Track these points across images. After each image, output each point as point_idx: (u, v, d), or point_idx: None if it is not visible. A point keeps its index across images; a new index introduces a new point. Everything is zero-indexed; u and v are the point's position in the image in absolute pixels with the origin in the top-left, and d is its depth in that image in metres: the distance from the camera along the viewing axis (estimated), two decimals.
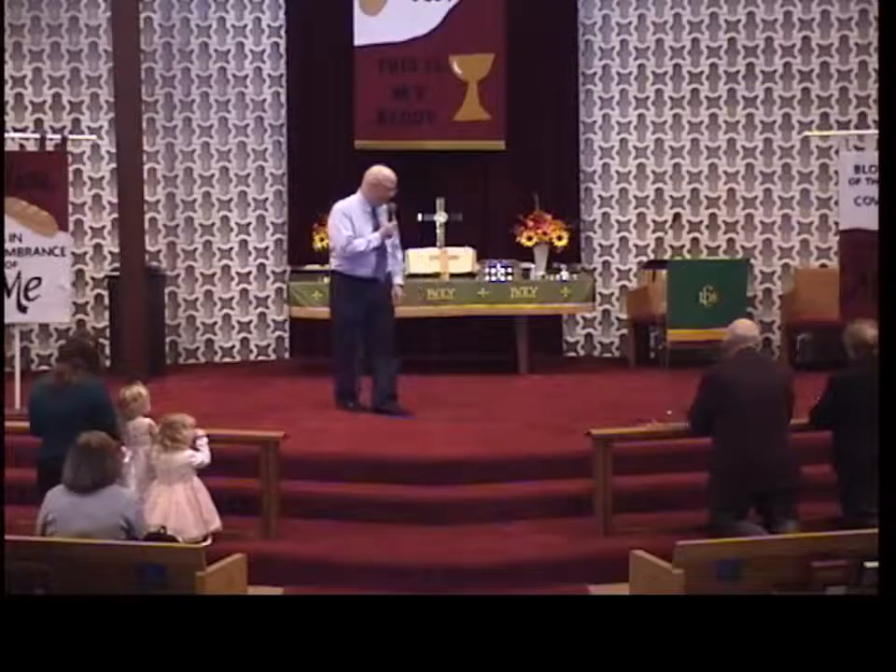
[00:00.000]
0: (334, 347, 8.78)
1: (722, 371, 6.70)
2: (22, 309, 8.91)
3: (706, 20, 11.11)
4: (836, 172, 10.27)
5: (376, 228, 8.46)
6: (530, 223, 10.30)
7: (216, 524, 6.60)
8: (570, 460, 7.18)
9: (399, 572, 6.34)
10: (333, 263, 8.69)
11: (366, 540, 6.68)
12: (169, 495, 6.50)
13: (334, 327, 8.76)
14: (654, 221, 11.26)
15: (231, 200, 11.23)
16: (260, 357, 11.32)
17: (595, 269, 11.26)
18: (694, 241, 11.19)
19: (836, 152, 10.58)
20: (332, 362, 8.83)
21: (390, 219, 8.50)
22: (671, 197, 11.23)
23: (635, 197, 11.28)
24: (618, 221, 11.32)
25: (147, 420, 6.71)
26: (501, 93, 11.04)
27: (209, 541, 6.41)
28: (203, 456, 6.61)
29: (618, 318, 11.32)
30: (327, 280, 10.00)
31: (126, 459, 6.53)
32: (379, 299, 8.57)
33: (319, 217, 10.25)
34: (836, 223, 10.20)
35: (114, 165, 10.45)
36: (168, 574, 5.10)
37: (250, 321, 11.32)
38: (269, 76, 11.20)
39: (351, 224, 8.45)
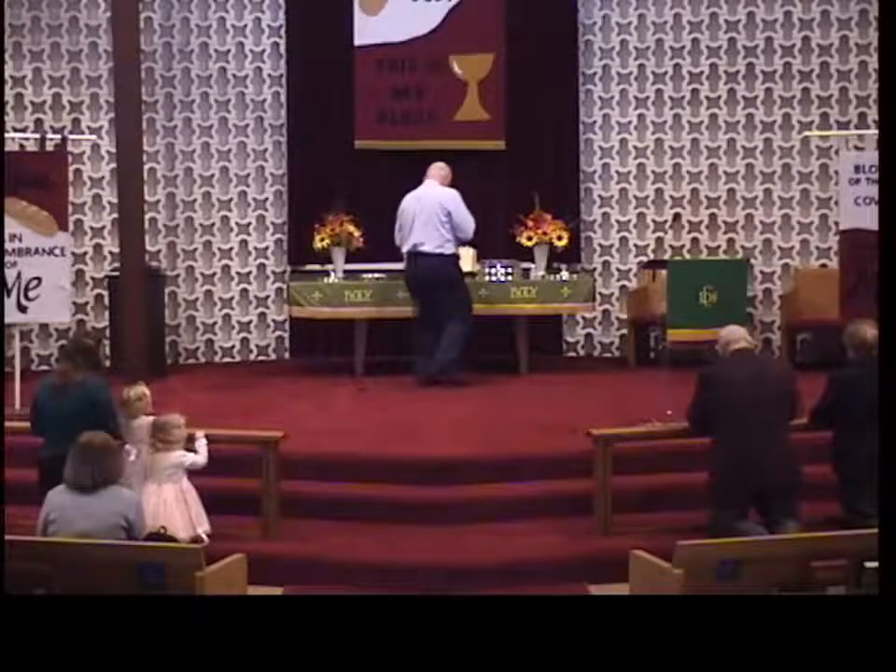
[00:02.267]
0: (466, 324, 9.57)
1: (716, 369, 6.71)
2: (22, 309, 8.91)
3: (706, 20, 11.11)
4: (836, 172, 10.27)
5: None
6: (530, 223, 10.28)
7: (204, 527, 6.55)
8: (570, 460, 7.18)
9: (400, 572, 6.35)
10: (449, 247, 9.56)
11: (366, 540, 6.68)
12: (158, 494, 6.48)
13: (465, 305, 9.64)
14: (654, 221, 11.27)
15: (231, 200, 11.23)
16: (260, 357, 11.32)
17: (595, 269, 11.26)
18: (694, 241, 11.19)
19: (836, 152, 10.59)
20: (463, 339, 9.53)
21: None
22: (671, 197, 11.23)
23: (635, 197, 11.28)
24: (618, 221, 11.32)
25: (150, 418, 6.71)
26: (501, 93, 11.04)
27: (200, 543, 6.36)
28: (195, 457, 6.58)
29: (618, 318, 11.32)
30: (327, 280, 10.08)
31: (132, 458, 6.54)
32: None
33: (320, 217, 10.26)
34: (836, 223, 10.20)
35: (114, 165, 10.46)
36: (168, 574, 5.10)
37: (250, 321, 11.32)
38: (269, 76, 11.20)
39: None
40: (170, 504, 6.47)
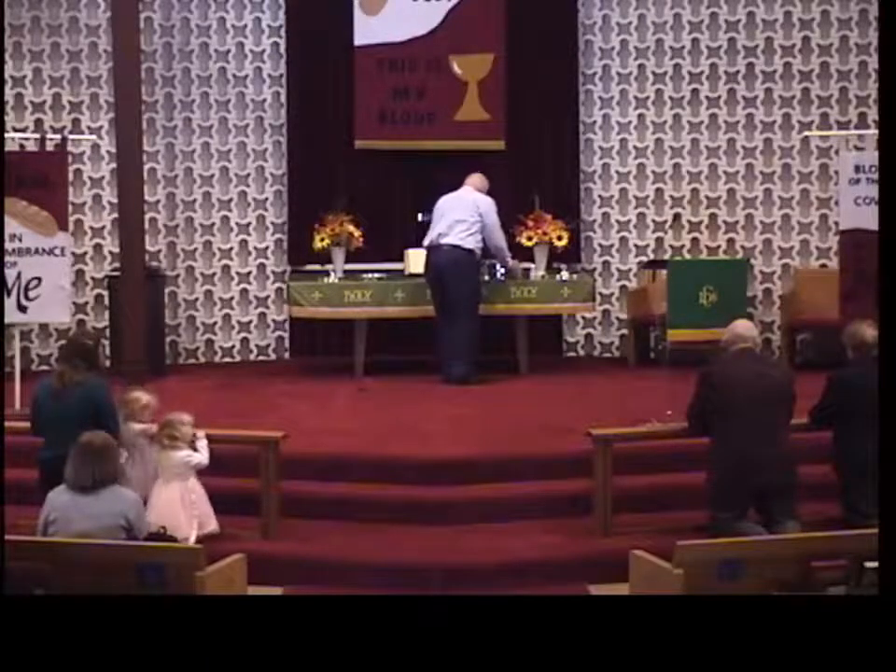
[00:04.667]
0: (475, 321, 9.68)
1: (716, 369, 6.70)
2: (22, 309, 8.91)
3: (706, 20, 11.11)
4: (836, 172, 10.28)
5: None
6: (530, 223, 10.29)
7: (211, 527, 6.58)
8: (570, 460, 7.18)
9: (400, 572, 6.35)
10: (470, 242, 9.67)
11: (366, 540, 6.68)
12: (165, 493, 6.51)
13: (475, 302, 9.71)
14: (654, 221, 11.26)
15: (231, 200, 11.23)
16: (260, 357, 11.32)
17: (594, 269, 11.26)
18: (694, 241, 11.19)
19: (836, 152, 10.58)
20: (475, 340, 9.65)
21: None
22: (671, 197, 11.23)
23: (635, 197, 11.28)
24: (618, 221, 11.32)
25: (141, 426, 6.70)
26: (501, 93, 11.04)
27: (192, 542, 6.35)
28: (200, 457, 6.60)
29: (618, 318, 11.32)
30: (327, 280, 10.07)
31: (121, 460, 6.53)
32: None
33: (320, 217, 10.26)
34: (836, 223, 10.20)
35: (114, 165, 10.46)
36: (168, 574, 5.10)
37: (250, 321, 11.32)
38: (269, 76, 11.20)
39: None
40: (175, 503, 6.49)
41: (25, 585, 4.96)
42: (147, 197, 10.58)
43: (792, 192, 11.07)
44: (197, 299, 11.25)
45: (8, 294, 8.83)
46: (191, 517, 6.51)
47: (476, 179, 10.00)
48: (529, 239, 10.26)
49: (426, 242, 9.83)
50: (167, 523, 6.35)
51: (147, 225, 10.55)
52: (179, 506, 6.50)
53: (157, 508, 6.45)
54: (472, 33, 10.99)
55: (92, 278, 11.00)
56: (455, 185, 9.99)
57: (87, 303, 11.00)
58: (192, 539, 6.39)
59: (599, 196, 11.33)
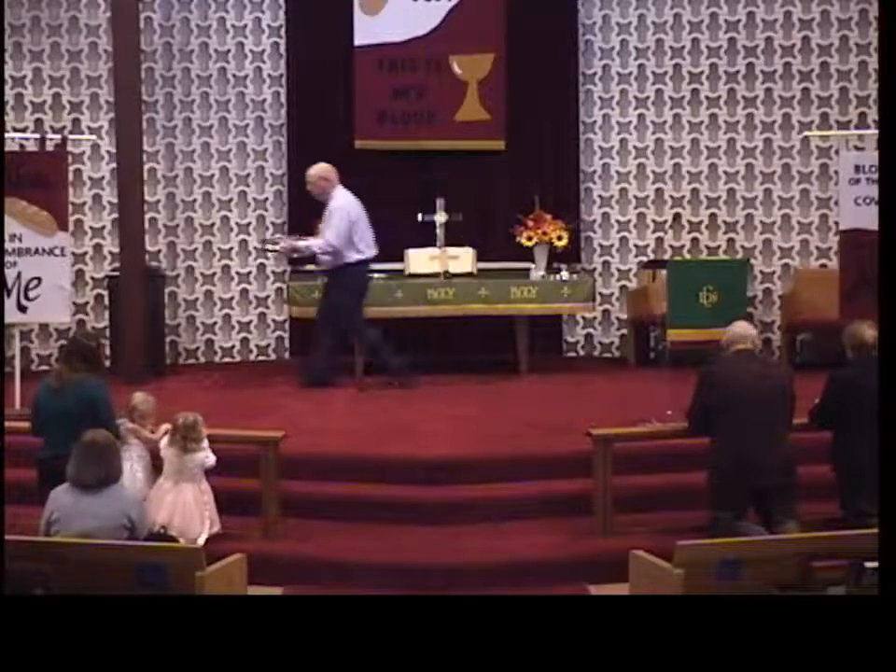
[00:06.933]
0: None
1: (716, 369, 6.70)
2: (22, 309, 8.91)
3: (706, 20, 11.11)
4: (836, 172, 10.28)
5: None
6: (530, 223, 10.29)
7: (217, 526, 6.61)
8: (570, 460, 7.18)
9: (399, 572, 6.35)
10: None
11: (366, 540, 6.68)
12: (177, 493, 6.53)
13: None
14: (654, 221, 11.26)
15: (231, 200, 11.22)
16: (260, 357, 11.31)
17: (595, 269, 11.26)
18: (694, 241, 11.19)
19: (836, 152, 10.58)
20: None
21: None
22: (671, 197, 11.23)
23: (635, 197, 11.28)
24: (618, 221, 11.32)
25: (131, 424, 6.71)
26: (501, 93, 11.04)
27: (202, 542, 6.37)
28: (213, 458, 6.64)
29: (618, 318, 11.31)
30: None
31: None
32: None
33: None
34: (836, 223, 10.20)
35: (114, 165, 10.46)
36: (168, 574, 5.11)
37: (250, 321, 11.32)
38: (269, 76, 11.19)
39: None
40: (189, 504, 6.52)
41: (25, 585, 4.97)
42: (147, 197, 10.58)
43: (792, 192, 11.08)
44: (197, 299, 11.25)
45: (8, 294, 8.83)
46: (204, 518, 6.54)
47: (336, 174, 9.75)
48: (529, 239, 10.26)
49: (369, 251, 9.63)
50: (182, 523, 6.39)
51: (147, 225, 10.56)
52: (194, 507, 6.53)
53: (171, 508, 6.46)
54: (472, 33, 10.99)
55: (92, 278, 11.00)
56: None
57: (87, 303, 11.00)
58: (203, 539, 6.41)
59: (599, 196, 11.33)
